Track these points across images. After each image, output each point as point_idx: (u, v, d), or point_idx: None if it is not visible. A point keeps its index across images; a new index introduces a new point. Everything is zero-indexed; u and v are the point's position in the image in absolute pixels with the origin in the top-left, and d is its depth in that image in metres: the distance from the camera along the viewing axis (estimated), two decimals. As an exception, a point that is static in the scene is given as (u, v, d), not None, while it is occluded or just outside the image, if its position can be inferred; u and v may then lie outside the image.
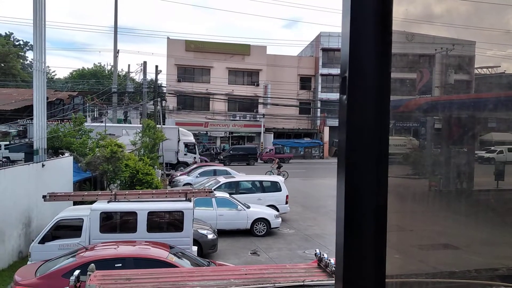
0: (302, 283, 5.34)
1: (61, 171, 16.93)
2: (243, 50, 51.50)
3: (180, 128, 37.29)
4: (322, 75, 53.43)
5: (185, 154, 36.09)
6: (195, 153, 36.89)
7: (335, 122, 49.02)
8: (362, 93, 1.00)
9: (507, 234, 2.44)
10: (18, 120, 32.53)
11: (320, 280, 5.46)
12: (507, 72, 2.73)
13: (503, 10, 2.17)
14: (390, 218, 1.04)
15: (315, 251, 6.79)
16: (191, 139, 37.80)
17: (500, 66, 2.68)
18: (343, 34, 1.01)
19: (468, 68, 2.76)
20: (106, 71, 70.63)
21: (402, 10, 1.24)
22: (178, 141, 35.50)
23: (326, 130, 52.01)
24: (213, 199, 16.59)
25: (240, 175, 25.27)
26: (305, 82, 55.50)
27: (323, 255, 6.37)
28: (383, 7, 0.98)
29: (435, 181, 2.48)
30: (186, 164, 34.58)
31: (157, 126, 29.31)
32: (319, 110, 54.54)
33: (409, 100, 2.66)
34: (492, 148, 2.76)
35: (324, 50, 53.16)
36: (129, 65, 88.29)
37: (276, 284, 5.28)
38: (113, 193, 13.02)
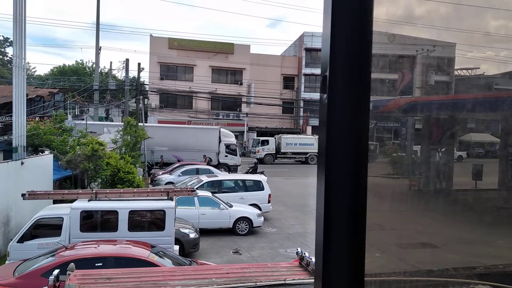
0: (283, 282, 5.36)
1: (41, 169, 16.67)
2: (226, 48, 51.40)
3: (221, 129, 36.42)
4: (305, 74, 53.66)
5: (225, 156, 35.12)
6: (236, 155, 35.71)
7: (317, 122, 49.27)
8: (343, 92, 1.01)
9: (484, 233, 2.49)
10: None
11: (301, 279, 5.49)
12: (486, 74, 2.78)
13: (482, 13, 2.20)
14: (370, 217, 1.05)
15: (297, 250, 6.82)
16: (232, 140, 36.59)
17: (479, 68, 2.73)
18: (323, 33, 1.02)
19: (448, 69, 2.81)
20: (88, 69, 69.70)
21: (383, 11, 1.25)
22: (219, 142, 34.70)
23: (309, 129, 52.25)
24: (196, 198, 16.53)
25: (223, 174, 25.21)
26: (288, 81, 55.66)
27: (304, 253, 6.39)
28: (364, 7, 0.99)
29: (415, 181, 2.51)
30: (227, 166, 34.03)
31: (139, 124, 29.00)
32: (302, 109, 54.77)
33: (392, 100, 2.69)
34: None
35: (307, 50, 53.39)
36: (111, 62, 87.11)
37: (257, 283, 5.28)
38: (94, 191, 12.89)
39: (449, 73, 2.85)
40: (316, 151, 44.92)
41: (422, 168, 2.62)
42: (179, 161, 31.53)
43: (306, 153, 44.93)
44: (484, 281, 2.41)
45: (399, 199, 2.09)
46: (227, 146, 35.46)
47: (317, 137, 46.17)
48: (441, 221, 2.31)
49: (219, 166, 33.59)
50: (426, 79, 2.86)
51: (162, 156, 32.59)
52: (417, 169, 2.65)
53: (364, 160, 1.02)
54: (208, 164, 31.29)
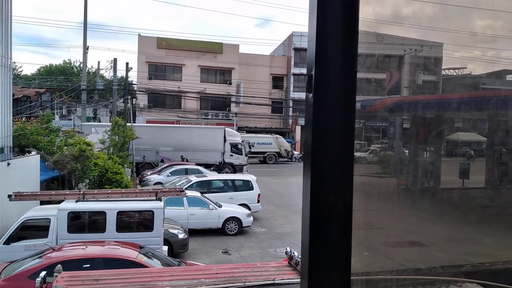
0: (273, 282, 5.36)
1: (27, 170, 16.49)
2: (215, 48, 51.27)
3: (226, 128, 35.82)
4: (294, 74, 53.74)
5: (231, 155, 34.28)
6: (241, 154, 34.68)
7: (306, 122, 49.07)
8: (328, 92, 1.01)
9: (471, 231, 2.51)
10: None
11: (290, 279, 5.49)
12: (473, 74, 2.80)
13: (469, 13, 2.22)
14: (358, 216, 1.05)
15: (286, 249, 6.82)
16: (237, 139, 35.52)
17: (466, 68, 2.75)
18: (309, 32, 1.02)
19: (436, 69, 2.82)
20: (75, 68, 69.05)
21: (370, 10, 1.25)
22: (224, 142, 34.08)
23: (298, 129, 52.35)
24: (184, 198, 16.46)
25: (212, 174, 25.15)
26: (277, 81, 55.68)
27: (293, 253, 6.40)
28: (349, 6, 0.99)
29: (403, 180, 2.52)
30: (231, 166, 33.54)
31: (127, 124, 28.79)
32: (291, 109, 54.84)
33: (381, 99, 2.70)
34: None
35: (296, 49, 53.46)
36: (99, 62, 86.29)
37: (246, 283, 5.28)
38: (82, 192, 12.78)
39: (436, 72, 2.87)
40: (275, 150, 45.02)
41: (410, 167, 2.63)
42: (162, 161, 31.23)
43: (265, 153, 44.68)
44: (471, 279, 2.42)
45: (387, 198, 2.10)
46: (233, 146, 34.64)
47: (275, 136, 46.14)
48: (428, 219, 2.32)
49: (224, 165, 33.20)
50: (414, 78, 2.87)
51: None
52: (405, 168, 2.66)
53: (350, 159, 1.02)
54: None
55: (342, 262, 1.01)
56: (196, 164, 31.26)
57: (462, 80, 2.76)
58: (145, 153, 31.91)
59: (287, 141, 51.60)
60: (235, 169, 33.37)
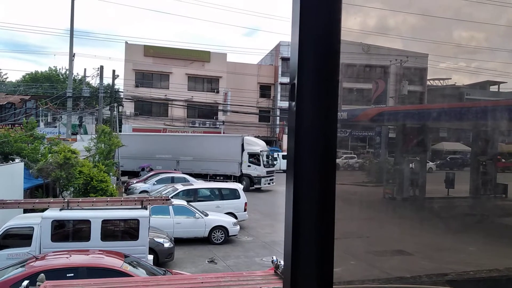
0: (259, 291, 5.34)
1: (11, 177, 16.26)
2: (203, 56, 51.32)
3: (245, 136, 33.36)
4: (281, 83, 53.94)
5: (248, 166, 31.58)
6: (259, 165, 31.74)
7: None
8: (310, 100, 1.03)
9: (455, 240, 2.53)
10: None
11: (276, 287, 5.48)
12: (457, 84, 2.85)
13: (454, 24, 2.25)
14: (342, 225, 1.06)
15: (272, 258, 6.81)
16: (256, 149, 32.46)
17: (451, 78, 2.79)
18: (292, 41, 1.04)
19: (421, 79, 2.86)
20: (61, 75, 68.46)
21: (356, 21, 1.26)
22: (242, 151, 31.76)
23: (285, 138, 52.47)
24: (170, 207, 16.35)
25: (198, 183, 25.05)
26: (264, 90, 55.88)
27: (279, 262, 6.39)
28: (332, 16, 1.02)
29: (389, 189, 2.54)
30: (249, 178, 31.32)
31: (113, 133, 28.57)
32: (278, 118, 55.01)
33: (369, 109, 2.73)
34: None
35: (284, 59, 53.70)
36: (85, 69, 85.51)
37: (232, 292, 5.25)
38: (66, 200, 12.64)
39: (422, 83, 2.90)
40: None
41: (397, 176, 2.65)
42: (143, 170, 30.86)
43: None
44: (456, 287, 2.44)
45: (374, 207, 2.11)
46: (251, 156, 31.95)
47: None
48: (415, 228, 2.34)
49: (242, 177, 31.19)
50: (399, 88, 2.90)
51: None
52: (391, 178, 2.68)
53: (332, 167, 1.04)
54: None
55: (324, 271, 1.02)
56: (214, 176, 30.80)
57: (447, 90, 2.80)
58: (163, 163, 31.43)
59: (273, 150, 51.76)
60: (253, 181, 31.31)
